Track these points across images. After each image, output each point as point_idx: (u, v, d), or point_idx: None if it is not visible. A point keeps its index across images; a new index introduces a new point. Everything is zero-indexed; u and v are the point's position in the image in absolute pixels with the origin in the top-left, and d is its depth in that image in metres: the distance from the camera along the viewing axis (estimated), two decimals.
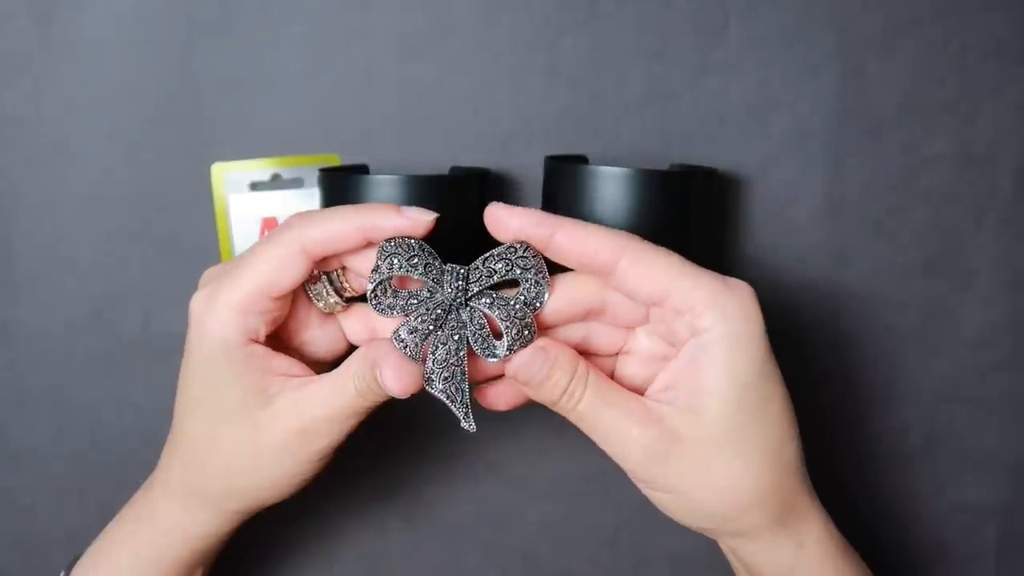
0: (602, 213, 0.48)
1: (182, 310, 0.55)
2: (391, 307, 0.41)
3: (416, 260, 0.40)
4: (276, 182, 0.54)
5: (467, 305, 0.41)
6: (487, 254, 0.41)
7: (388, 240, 0.41)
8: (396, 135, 0.54)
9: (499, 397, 0.44)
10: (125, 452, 0.56)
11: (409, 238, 0.41)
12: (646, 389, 0.43)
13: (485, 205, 0.51)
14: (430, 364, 0.41)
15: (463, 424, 0.42)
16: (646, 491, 0.42)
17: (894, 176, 0.54)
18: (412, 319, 0.41)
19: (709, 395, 0.40)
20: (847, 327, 0.55)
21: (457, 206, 0.49)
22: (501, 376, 0.43)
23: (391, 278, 0.41)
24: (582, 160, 0.52)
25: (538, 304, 0.41)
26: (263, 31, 0.53)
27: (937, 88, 0.54)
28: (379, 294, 0.41)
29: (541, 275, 0.41)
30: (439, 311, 0.41)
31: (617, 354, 0.44)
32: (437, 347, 0.41)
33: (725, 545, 0.44)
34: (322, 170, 0.51)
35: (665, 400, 0.41)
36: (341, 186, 0.49)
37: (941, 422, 0.57)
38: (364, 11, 0.53)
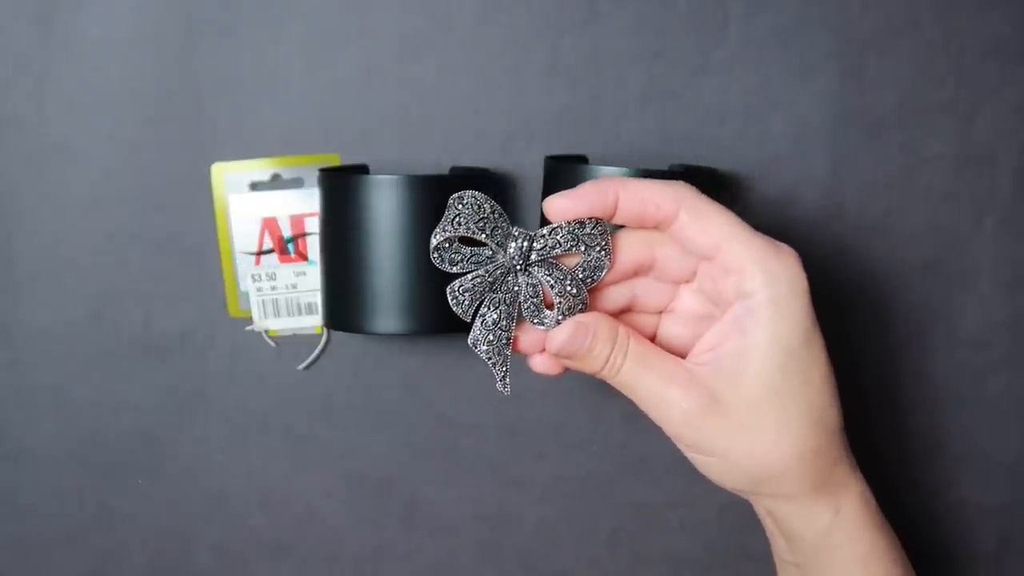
0: None
1: (182, 310, 0.56)
2: (452, 262, 0.41)
3: (483, 223, 0.41)
4: (276, 182, 0.54)
5: (526, 271, 0.42)
6: (555, 225, 0.41)
7: (460, 197, 0.41)
8: (396, 135, 0.54)
9: (539, 366, 0.44)
10: (125, 452, 0.56)
11: (483, 198, 0.41)
12: (689, 350, 0.43)
13: None
14: (478, 325, 0.42)
15: (498, 386, 0.42)
16: (687, 453, 0.43)
17: (894, 176, 0.54)
18: (470, 277, 0.41)
19: (753, 358, 0.40)
20: (847, 327, 0.55)
21: None
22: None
23: (456, 235, 0.41)
24: (582, 160, 0.52)
25: (595, 278, 0.42)
26: (263, 31, 0.53)
27: (936, 88, 0.54)
28: (442, 249, 0.41)
29: (604, 252, 0.42)
30: (497, 273, 0.42)
31: (662, 312, 0.44)
32: (489, 309, 0.42)
33: (761, 507, 0.44)
34: (322, 170, 0.51)
35: (708, 362, 0.41)
36: (341, 186, 0.49)
37: (941, 422, 0.57)
38: (364, 11, 0.53)
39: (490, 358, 0.42)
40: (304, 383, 0.56)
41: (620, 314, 0.44)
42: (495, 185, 0.54)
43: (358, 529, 0.57)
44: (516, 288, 0.42)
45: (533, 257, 0.41)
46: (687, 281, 0.43)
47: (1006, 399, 0.56)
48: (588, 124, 0.54)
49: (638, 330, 0.44)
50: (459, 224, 0.41)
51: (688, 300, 0.44)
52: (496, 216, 0.41)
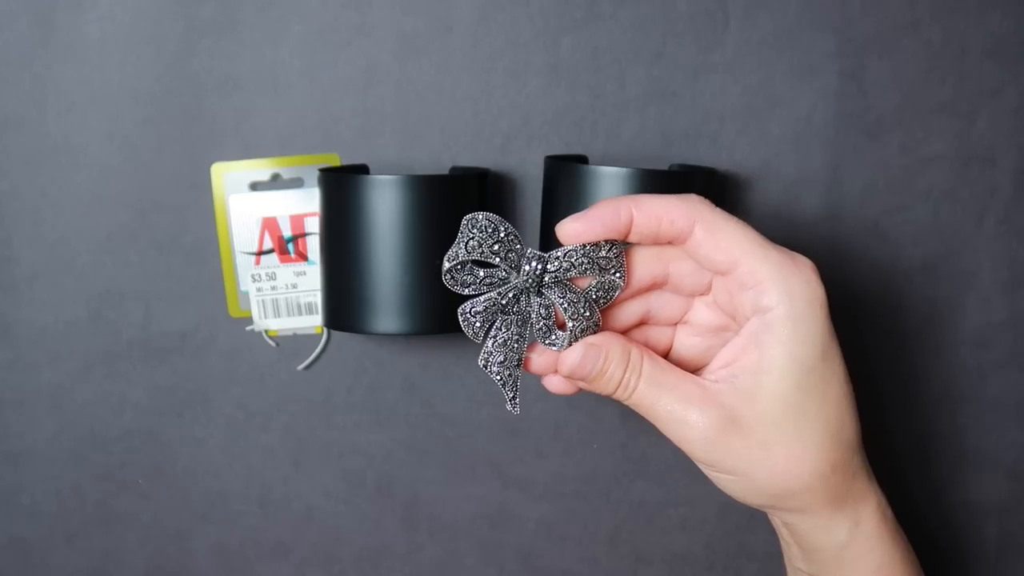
0: None
1: (182, 310, 0.56)
2: (464, 284, 0.41)
3: (498, 246, 0.40)
4: (276, 182, 0.54)
5: (539, 292, 0.41)
6: (568, 248, 0.40)
7: (474, 219, 0.40)
8: (396, 135, 0.54)
9: (554, 386, 0.43)
10: (125, 452, 0.56)
11: (497, 220, 0.40)
12: (703, 363, 0.43)
13: (485, 205, 0.52)
14: (490, 345, 0.41)
15: (508, 407, 0.42)
16: (706, 471, 0.42)
17: (894, 176, 0.54)
18: (482, 299, 0.41)
19: (770, 375, 0.40)
20: (847, 327, 0.55)
21: (457, 206, 0.49)
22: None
23: (470, 259, 0.40)
24: (582, 160, 0.52)
25: (609, 298, 0.41)
26: (263, 31, 0.53)
27: (936, 88, 0.54)
28: (454, 271, 0.41)
29: (619, 274, 0.41)
30: (510, 295, 0.41)
31: (676, 324, 0.44)
32: (500, 329, 0.41)
33: (779, 520, 0.44)
34: (322, 170, 0.51)
35: (724, 379, 0.41)
36: (341, 186, 0.49)
37: (941, 422, 0.57)
38: (364, 11, 0.53)
39: (501, 379, 0.42)
40: (304, 383, 0.56)
41: (634, 327, 0.43)
42: (495, 185, 0.54)
43: (358, 529, 0.57)
44: (528, 309, 0.41)
45: (547, 279, 0.41)
46: (702, 294, 0.43)
47: (1006, 399, 0.56)
48: (588, 124, 0.54)
49: (652, 343, 0.43)
50: (473, 248, 0.40)
51: (703, 312, 0.43)
52: (510, 239, 0.40)
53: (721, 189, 0.54)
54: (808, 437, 0.40)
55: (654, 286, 0.42)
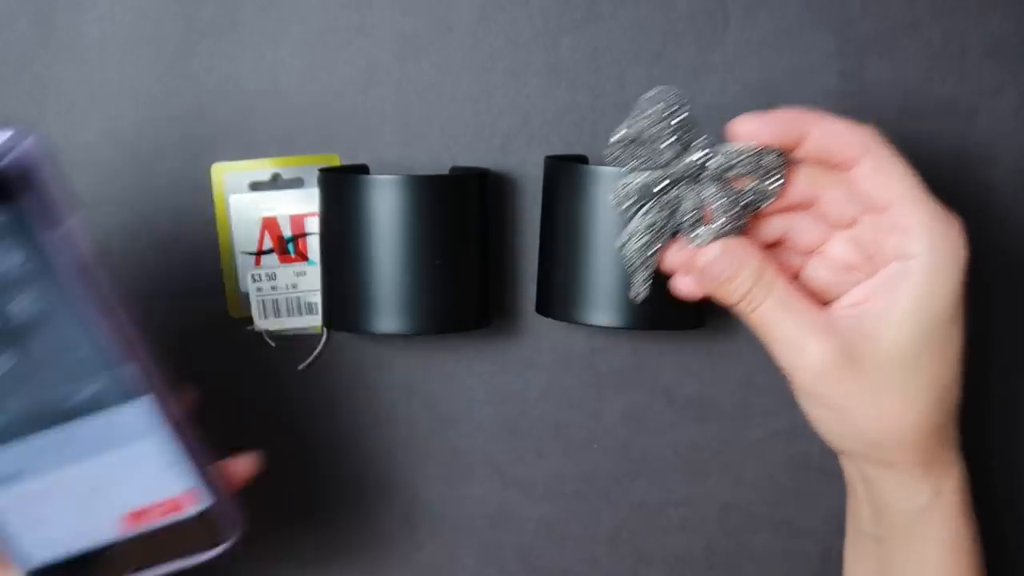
0: (602, 213, 0.48)
1: (182, 310, 0.56)
2: (623, 161, 0.41)
3: (668, 129, 0.40)
4: (276, 182, 0.54)
5: (695, 183, 0.41)
6: (738, 146, 0.40)
7: (653, 96, 0.40)
8: (396, 135, 0.54)
9: (684, 287, 0.43)
10: None
11: (676, 99, 0.40)
12: (825, 299, 0.43)
13: (485, 205, 0.52)
14: (633, 226, 0.41)
15: (631, 292, 0.42)
16: (807, 406, 0.42)
17: None
18: (639, 179, 0.41)
19: (898, 323, 0.40)
20: None
21: (457, 206, 0.49)
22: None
23: (639, 134, 0.40)
24: (582, 160, 0.52)
25: (761, 206, 0.41)
26: (263, 31, 0.53)
27: (937, 88, 0.54)
28: (622, 143, 0.41)
29: (777, 184, 0.41)
30: (666, 181, 0.41)
31: (810, 253, 0.44)
32: (648, 213, 0.41)
33: (858, 472, 0.44)
34: (322, 170, 0.51)
35: (851, 317, 0.41)
36: (341, 186, 0.49)
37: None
38: (364, 11, 0.53)
39: (633, 261, 0.42)
40: (304, 383, 0.56)
41: (770, 246, 0.43)
42: (495, 185, 0.54)
43: (358, 529, 0.57)
44: (680, 199, 0.41)
45: (706, 173, 0.41)
46: (845, 227, 0.42)
47: (1006, 399, 0.56)
48: (588, 124, 0.54)
49: (783, 266, 0.43)
50: (645, 122, 0.40)
51: (840, 247, 0.42)
52: (681, 124, 0.40)
53: None
54: (918, 393, 0.40)
55: (801, 207, 0.42)
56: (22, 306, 0.35)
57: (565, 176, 0.49)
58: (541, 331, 0.55)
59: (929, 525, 0.43)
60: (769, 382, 0.55)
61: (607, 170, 0.47)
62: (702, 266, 0.41)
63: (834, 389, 0.40)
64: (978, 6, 0.53)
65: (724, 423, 0.56)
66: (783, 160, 0.40)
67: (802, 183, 0.41)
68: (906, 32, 0.53)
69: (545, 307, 0.51)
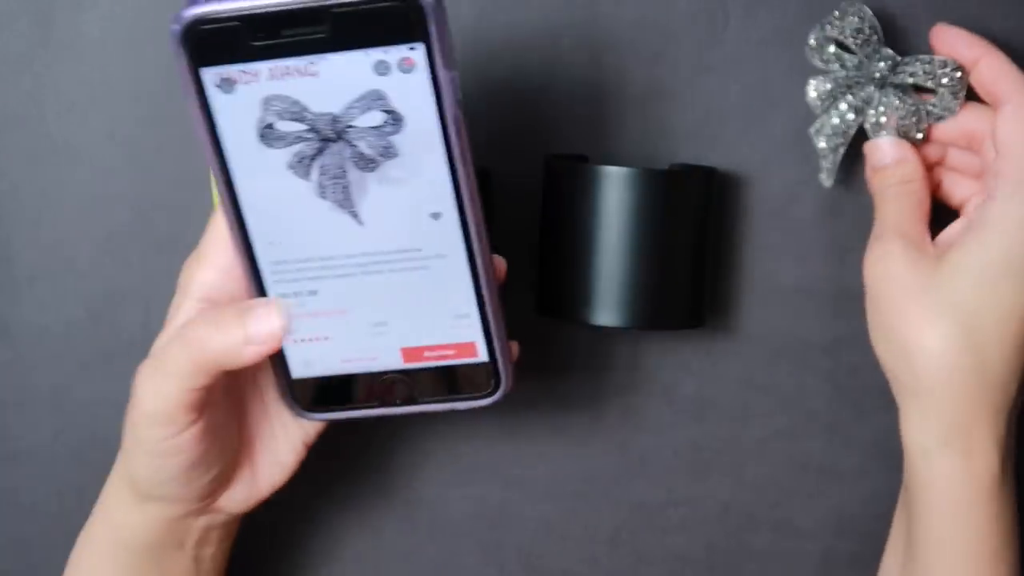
0: (602, 213, 0.48)
1: None
2: (826, 60, 0.48)
3: (861, 35, 0.46)
4: None
5: (883, 88, 0.47)
6: (929, 57, 0.46)
7: (851, 4, 0.46)
8: None
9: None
10: None
11: (869, 13, 0.46)
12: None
13: (486, 205, 0.51)
14: (825, 119, 0.48)
15: (822, 175, 0.49)
16: (871, 286, 0.47)
17: None
18: (833, 76, 0.47)
19: (955, 254, 0.44)
20: (847, 327, 0.55)
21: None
22: None
23: (833, 37, 0.46)
24: (582, 160, 0.52)
25: (939, 119, 0.46)
26: None
27: None
28: (820, 43, 0.48)
29: (958, 100, 0.46)
30: (859, 82, 0.47)
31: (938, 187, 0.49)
32: (839, 108, 0.47)
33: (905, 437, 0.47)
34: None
35: (939, 243, 0.46)
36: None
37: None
38: None
39: (825, 147, 0.48)
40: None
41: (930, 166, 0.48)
42: (495, 185, 0.54)
43: (358, 529, 0.57)
44: (869, 99, 0.47)
45: (895, 78, 0.46)
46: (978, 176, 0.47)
47: None
48: (588, 124, 0.54)
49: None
50: (840, 26, 0.46)
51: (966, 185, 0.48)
52: (873, 31, 0.46)
53: (721, 189, 0.54)
54: (962, 324, 0.43)
55: (971, 143, 0.46)
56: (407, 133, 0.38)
57: (565, 176, 0.49)
58: (541, 331, 0.55)
59: (958, 505, 0.44)
60: (769, 382, 0.55)
61: (608, 169, 0.48)
62: (881, 153, 0.47)
63: (895, 283, 0.45)
64: (978, 6, 0.53)
65: (724, 423, 0.56)
66: (963, 78, 0.46)
67: (975, 119, 0.46)
68: (906, 32, 0.53)
69: (545, 307, 0.51)
